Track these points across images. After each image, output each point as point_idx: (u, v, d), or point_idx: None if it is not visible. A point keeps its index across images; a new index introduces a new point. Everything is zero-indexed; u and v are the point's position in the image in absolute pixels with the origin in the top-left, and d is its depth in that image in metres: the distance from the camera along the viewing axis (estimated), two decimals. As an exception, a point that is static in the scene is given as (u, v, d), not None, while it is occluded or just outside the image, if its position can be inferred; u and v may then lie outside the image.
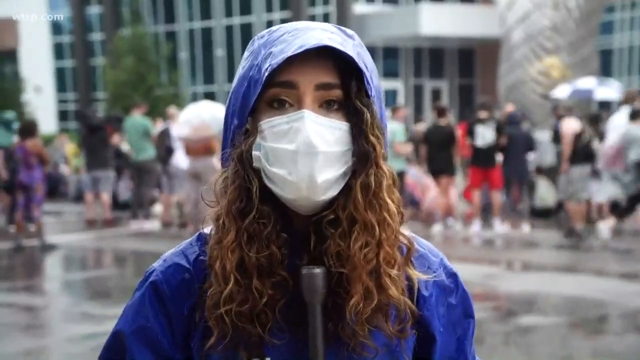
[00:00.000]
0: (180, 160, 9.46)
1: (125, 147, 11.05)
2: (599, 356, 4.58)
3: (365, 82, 0.92)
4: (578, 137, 8.44)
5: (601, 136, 9.37)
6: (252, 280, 0.90)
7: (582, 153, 8.45)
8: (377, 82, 0.95)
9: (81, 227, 10.43)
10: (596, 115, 10.40)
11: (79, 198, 12.87)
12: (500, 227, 9.21)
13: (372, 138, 0.91)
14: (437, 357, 1.01)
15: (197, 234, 1.01)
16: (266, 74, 0.89)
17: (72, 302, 6.40)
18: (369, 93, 0.92)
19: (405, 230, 0.98)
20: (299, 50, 0.88)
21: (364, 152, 0.91)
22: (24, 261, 8.32)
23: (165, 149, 9.66)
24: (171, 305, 0.97)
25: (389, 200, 0.92)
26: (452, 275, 1.04)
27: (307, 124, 0.88)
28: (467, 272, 6.86)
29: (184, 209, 9.79)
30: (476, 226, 9.19)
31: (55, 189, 13.40)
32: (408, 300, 0.96)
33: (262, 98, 0.91)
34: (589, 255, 8.10)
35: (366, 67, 0.93)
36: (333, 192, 0.90)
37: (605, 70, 16.59)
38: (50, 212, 11.62)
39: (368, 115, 0.91)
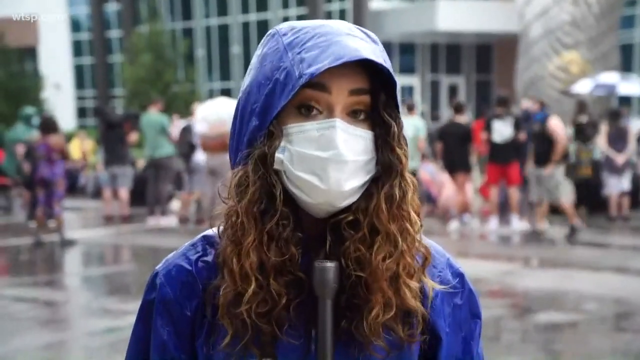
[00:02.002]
0: (202, 156, 9.52)
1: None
2: (618, 354, 4.54)
3: (396, 94, 0.93)
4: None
5: (586, 138, 9.31)
6: (269, 280, 0.91)
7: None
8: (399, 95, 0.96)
9: (99, 223, 10.53)
10: (616, 111, 10.28)
11: (97, 194, 13.00)
12: (518, 223, 9.15)
13: (398, 150, 0.92)
14: (443, 357, 1.01)
15: (200, 235, 1.02)
16: (301, 81, 0.88)
17: (91, 297, 6.47)
18: (397, 105, 0.93)
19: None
20: (337, 62, 0.87)
21: (389, 164, 0.91)
22: (45, 256, 8.42)
23: (188, 146, 9.72)
24: (174, 307, 0.98)
25: (411, 211, 0.93)
26: (459, 275, 1.04)
27: (338, 132, 0.88)
28: (484, 269, 6.83)
29: (203, 205, 9.85)
30: (493, 223, 9.13)
31: (73, 185, 13.54)
32: (422, 307, 0.97)
33: (289, 101, 0.90)
34: (609, 252, 8.02)
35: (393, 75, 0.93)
36: (353, 199, 0.91)
37: (626, 65, 16.37)
38: (69, 208, 11.75)
39: (395, 127, 0.92)
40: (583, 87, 12.26)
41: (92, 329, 5.18)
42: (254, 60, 0.95)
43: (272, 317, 0.91)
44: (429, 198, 10.27)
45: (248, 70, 0.96)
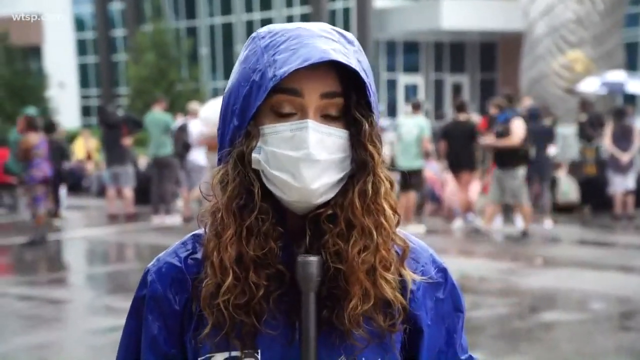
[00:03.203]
0: (198, 155, 9.52)
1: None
2: (622, 353, 4.53)
3: (368, 93, 0.95)
4: (524, 139, 8.23)
5: (588, 137, 9.21)
6: (249, 273, 0.94)
7: (523, 156, 8.23)
8: (373, 87, 0.97)
9: (103, 222, 10.55)
10: (621, 109, 10.24)
11: (101, 193, 13.03)
12: (522, 222, 9.13)
13: (370, 147, 0.95)
14: (425, 349, 1.03)
15: (191, 234, 1.05)
16: (271, 84, 0.92)
17: (95, 295, 6.49)
18: (372, 104, 0.96)
19: (399, 231, 1.01)
20: (304, 64, 0.90)
21: (362, 161, 0.95)
22: (49, 255, 8.44)
23: (182, 145, 9.74)
24: (164, 303, 1.01)
25: (385, 206, 0.97)
26: (442, 270, 1.06)
27: (310, 133, 0.92)
28: (488, 268, 6.82)
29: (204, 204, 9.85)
30: (497, 222, 9.12)
31: (77, 184, 13.57)
32: (401, 297, 0.99)
33: (264, 103, 0.94)
34: (613, 250, 8.00)
35: (367, 76, 0.95)
36: (329, 196, 0.95)
37: (631, 63, 16.30)
38: (73, 206, 11.78)
39: (367, 125, 0.95)
40: (589, 85, 12.21)
41: (96, 327, 5.19)
42: (236, 63, 1.00)
43: (250, 309, 0.94)
44: (433, 197, 10.25)
45: (231, 73, 1.00)
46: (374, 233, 0.95)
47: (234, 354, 0.96)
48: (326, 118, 0.94)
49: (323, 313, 0.95)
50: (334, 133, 0.94)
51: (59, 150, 10.27)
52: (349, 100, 0.95)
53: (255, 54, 0.96)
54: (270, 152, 0.93)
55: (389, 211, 0.97)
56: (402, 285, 1.00)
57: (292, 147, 0.92)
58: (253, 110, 0.94)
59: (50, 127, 10.48)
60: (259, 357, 0.96)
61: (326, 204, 0.95)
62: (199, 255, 1.00)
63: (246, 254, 0.94)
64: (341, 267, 0.94)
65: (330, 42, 0.94)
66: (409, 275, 1.00)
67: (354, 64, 0.93)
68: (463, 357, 1.07)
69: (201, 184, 1.02)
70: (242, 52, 0.99)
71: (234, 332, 0.95)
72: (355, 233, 0.94)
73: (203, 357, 0.97)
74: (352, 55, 0.94)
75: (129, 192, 10.45)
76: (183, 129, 9.87)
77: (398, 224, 0.99)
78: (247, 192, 0.94)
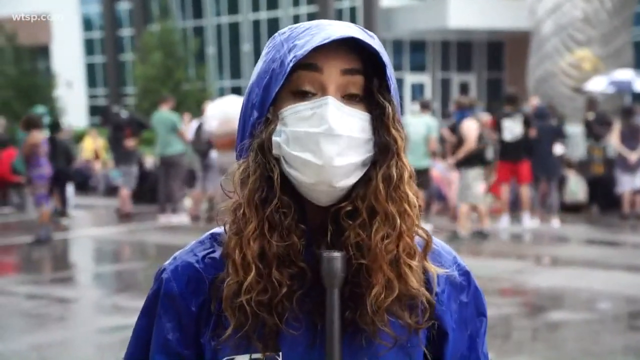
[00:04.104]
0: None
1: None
2: (630, 353, 4.50)
3: (387, 76, 0.94)
4: (477, 139, 8.16)
5: (595, 136, 9.09)
6: (271, 269, 0.91)
7: (478, 156, 8.18)
8: (393, 79, 0.97)
9: (111, 221, 10.59)
10: (629, 108, 10.19)
11: (108, 192, 13.08)
12: (529, 222, 9.10)
13: (393, 131, 0.93)
14: (449, 353, 1.01)
15: (208, 232, 1.03)
16: (291, 64, 0.90)
17: (102, 294, 6.51)
18: (390, 87, 0.94)
19: (424, 225, 0.99)
20: (326, 41, 0.89)
21: (385, 144, 0.92)
22: (56, 254, 8.48)
23: (205, 143, 9.77)
24: (180, 302, 0.98)
25: (409, 192, 0.94)
26: (465, 273, 1.04)
27: (330, 109, 0.90)
28: (495, 268, 6.80)
29: (215, 204, 9.88)
30: (504, 221, 9.10)
31: (85, 183, 13.63)
32: (426, 292, 0.96)
33: (284, 88, 0.92)
34: (621, 250, 7.96)
35: (387, 63, 0.94)
36: (351, 181, 0.92)
37: (639, 62, 16.21)
38: (80, 205, 11.83)
39: (390, 109, 0.93)
40: (597, 84, 12.15)
41: (103, 325, 5.21)
42: (258, 62, 0.99)
43: (273, 307, 0.92)
44: (439, 196, 10.23)
45: (253, 72, 0.99)
46: (398, 220, 0.92)
47: (255, 356, 0.93)
48: (348, 99, 0.92)
49: (346, 314, 0.92)
50: (355, 114, 0.91)
51: (64, 150, 10.32)
52: (370, 83, 0.93)
53: (274, 47, 0.95)
54: (290, 133, 0.91)
55: (412, 199, 0.94)
56: (427, 280, 0.97)
57: (313, 124, 0.90)
58: (272, 95, 0.92)
59: (55, 126, 10.53)
60: (280, 359, 0.93)
61: (347, 197, 0.92)
62: (217, 255, 0.98)
63: (269, 249, 0.91)
64: (363, 261, 0.91)
65: (350, 29, 0.93)
66: (433, 269, 0.98)
67: (375, 46, 0.92)
68: None
69: (221, 180, 1.00)
70: (264, 50, 0.98)
71: (255, 332, 0.92)
72: (379, 219, 0.91)
73: None
74: (371, 41, 0.93)
75: (125, 191, 10.51)
76: (201, 128, 9.91)
77: (421, 213, 0.97)
78: (268, 184, 0.92)
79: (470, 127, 8.17)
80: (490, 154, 8.58)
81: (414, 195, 0.95)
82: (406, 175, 0.94)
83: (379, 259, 0.91)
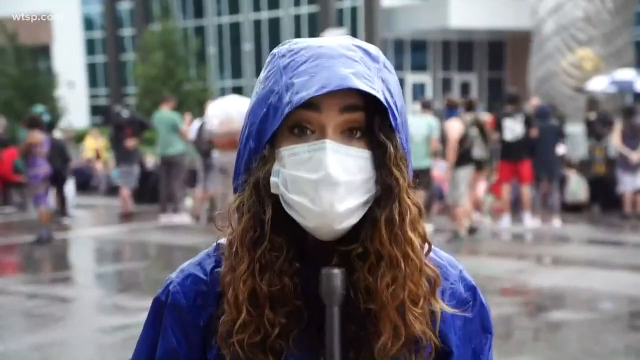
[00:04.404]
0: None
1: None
2: (631, 353, 4.50)
3: (391, 116, 0.90)
4: (462, 139, 8.15)
5: (597, 136, 8.99)
6: (264, 310, 0.90)
7: (464, 155, 8.16)
8: (401, 105, 0.93)
9: (112, 220, 10.59)
10: (630, 108, 10.19)
11: (109, 192, 13.09)
12: (530, 221, 9.10)
13: (395, 171, 0.90)
14: None
15: (214, 244, 1.01)
16: (287, 110, 0.88)
17: (103, 293, 6.51)
18: (394, 126, 0.91)
19: (430, 260, 0.96)
20: (321, 92, 0.86)
21: (387, 185, 0.90)
22: (58, 253, 8.48)
23: (207, 143, 9.77)
24: (187, 316, 0.98)
25: (412, 235, 0.91)
26: (471, 289, 1.03)
27: (328, 154, 0.87)
28: (496, 267, 6.79)
29: (216, 204, 9.88)
30: (505, 221, 9.09)
31: (86, 182, 13.64)
32: (431, 333, 0.95)
33: (282, 123, 0.90)
34: (622, 250, 7.96)
35: (392, 95, 0.91)
36: (353, 220, 0.89)
37: (640, 62, 16.19)
38: (81, 205, 11.83)
39: (391, 148, 0.90)
40: (599, 84, 12.14)
41: (104, 325, 5.21)
42: (257, 81, 0.96)
43: (267, 347, 0.90)
44: (440, 196, 10.23)
45: (253, 91, 0.97)
46: (402, 264, 0.90)
47: None
48: (348, 135, 0.89)
49: (350, 354, 0.91)
50: (355, 154, 0.88)
51: (60, 150, 10.30)
52: (372, 120, 0.90)
53: (274, 74, 0.92)
54: (288, 175, 0.89)
55: (416, 241, 0.91)
56: (432, 317, 0.96)
57: (310, 169, 0.87)
58: (269, 133, 0.90)
59: (49, 126, 10.52)
60: None
61: (355, 236, 0.90)
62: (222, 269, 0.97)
63: (260, 290, 0.90)
64: (372, 305, 0.90)
65: (351, 64, 0.89)
66: (441, 306, 0.96)
67: (377, 87, 0.88)
68: None
69: (215, 187, 0.99)
70: (263, 70, 0.95)
71: None
72: (384, 264, 0.89)
73: None
74: (375, 76, 0.89)
75: (125, 190, 10.52)
76: (202, 128, 9.91)
77: (428, 252, 0.95)
78: (261, 225, 0.90)
79: (453, 127, 8.18)
80: (477, 152, 8.56)
81: (422, 232, 0.93)
82: (409, 217, 0.91)
83: (387, 306, 0.90)
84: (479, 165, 9.12)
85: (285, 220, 0.91)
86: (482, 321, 1.03)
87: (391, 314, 0.90)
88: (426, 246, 0.94)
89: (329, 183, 0.87)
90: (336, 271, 0.90)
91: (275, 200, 0.91)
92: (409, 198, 0.91)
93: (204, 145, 9.79)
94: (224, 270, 0.93)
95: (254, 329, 0.90)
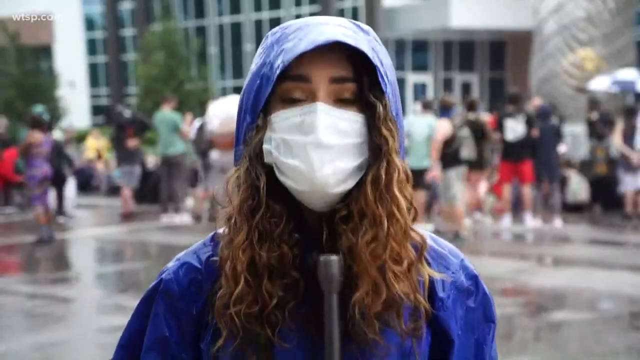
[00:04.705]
0: (216, 154, 9.54)
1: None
2: (632, 353, 4.49)
3: (379, 77, 0.90)
4: (450, 140, 8.14)
5: (599, 136, 8.96)
6: (262, 280, 0.89)
7: (453, 156, 8.14)
8: (392, 78, 0.93)
9: (113, 221, 10.60)
10: (631, 108, 10.18)
11: (111, 192, 13.10)
12: (531, 221, 9.09)
13: (384, 131, 0.90)
14: None
15: (211, 234, 1.01)
16: (277, 72, 0.88)
17: (104, 294, 6.52)
18: (383, 88, 0.91)
19: (422, 228, 0.96)
20: (310, 47, 0.87)
21: (376, 145, 0.90)
22: (59, 254, 8.49)
23: (205, 143, 9.77)
24: (180, 304, 0.97)
25: (399, 195, 0.90)
26: (473, 278, 1.01)
27: (319, 116, 0.87)
28: (497, 268, 6.79)
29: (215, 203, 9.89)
30: (506, 221, 9.09)
31: (87, 183, 13.65)
32: (421, 297, 0.93)
33: (274, 94, 0.90)
34: (624, 250, 7.95)
35: (381, 63, 0.91)
36: (347, 186, 0.89)
37: (642, 62, 16.17)
38: (83, 205, 11.84)
39: (381, 108, 0.90)
40: (601, 83, 12.13)
41: (105, 325, 5.22)
42: (252, 63, 0.97)
43: (264, 319, 0.90)
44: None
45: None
46: (385, 223, 0.89)
47: None
48: (340, 102, 0.90)
49: (338, 324, 0.90)
50: (346, 117, 0.89)
51: (58, 150, 10.30)
52: (361, 84, 0.90)
53: (266, 49, 0.93)
54: (279, 140, 0.89)
55: (402, 202, 0.90)
56: (423, 285, 0.95)
57: (302, 132, 0.88)
58: (262, 102, 0.91)
59: (48, 125, 10.51)
60: None
61: (342, 200, 0.90)
62: (218, 258, 0.96)
63: (259, 259, 0.89)
64: (354, 265, 0.89)
65: (339, 28, 0.90)
66: (428, 272, 0.95)
67: (364, 48, 0.88)
68: None
69: (215, 187, 0.99)
70: (257, 52, 0.96)
71: (250, 346, 0.90)
72: (366, 222, 0.89)
73: None
74: (363, 40, 0.90)
75: (127, 190, 10.52)
76: (203, 128, 9.91)
77: (415, 219, 0.93)
78: (257, 192, 0.90)
79: (442, 127, 8.18)
80: (465, 153, 8.56)
81: (408, 197, 0.92)
82: (396, 176, 0.90)
83: (365, 262, 0.88)
84: (477, 166, 9.12)
85: (281, 190, 0.90)
86: (485, 310, 1.01)
87: (370, 269, 0.88)
88: (412, 211, 0.92)
89: (321, 145, 0.87)
90: (334, 258, 0.89)
91: (270, 169, 0.91)
92: (397, 160, 0.91)
93: (203, 144, 9.80)
94: (223, 244, 0.93)
95: (252, 299, 0.89)
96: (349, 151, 0.89)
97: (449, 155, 8.11)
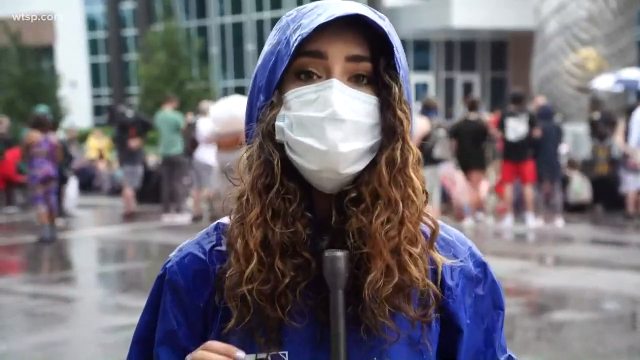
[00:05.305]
0: (206, 154, 9.54)
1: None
2: (635, 353, 4.49)
3: (394, 59, 0.90)
4: (425, 138, 8.13)
5: (601, 135, 8.98)
6: (274, 259, 0.88)
7: (427, 155, 8.14)
8: (405, 64, 0.93)
9: (114, 220, 10.61)
10: (633, 107, 10.16)
11: (113, 192, 13.11)
12: (533, 221, 9.09)
13: (399, 112, 0.89)
14: (463, 349, 0.97)
15: (214, 223, 0.99)
16: (295, 44, 0.87)
17: (106, 293, 6.52)
18: (397, 70, 0.90)
19: (431, 214, 0.95)
20: (329, 19, 0.86)
21: (390, 126, 0.89)
22: (60, 253, 8.50)
23: (190, 142, 9.78)
24: (186, 296, 0.96)
25: (414, 177, 0.90)
26: (481, 265, 1.00)
27: (335, 92, 0.86)
28: (499, 267, 6.79)
29: (214, 204, 9.88)
30: (508, 221, 9.08)
31: (89, 182, 13.66)
32: (431, 283, 0.92)
33: (289, 70, 0.89)
34: (626, 250, 7.94)
35: (396, 49, 0.91)
36: (359, 167, 0.88)
37: (643, 61, 16.16)
38: (84, 205, 11.85)
39: (396, 89, 0.89)
40: (604, 82, 12.12)
41: (107, 325, 5.22)
42: (265, 44, 0.95)
43: (275, 298, 0.88)
44: (443, 196, 10.21)
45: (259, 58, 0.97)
46: (400, 205, 0.88)
47: (260, 356, 0.90)
48: (355, 81, 0.89)
49: (348, 310, 0.89)
50: (361, 97, 0.88)
51: (63, 149, 10.31)
52: (377, 65, 0.90)
53: (281, 29, 0.92)
54: (293, 117, 0.88)
55: (417, 184, 0.90)
56: (433, 271, 0.93)
57: (317, 109, 0.86)
58: (277, 78, 0.89)
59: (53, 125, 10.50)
60: (286, 359, 0.90)
61: (352, 183, 0.88)
62: (223, 247, 0.95)
63: (272, 237, 0.87)
64: (364, 248, 0.87)
65: (358, 6, 0.90)
66: (439, 259, 0.94)
67: (384, 26, 0.89)
68: (502, 358, 1.02)
69: (227, 166, 0.95)
70: (270, 34, 0.95)
71: (260, 328, 0.89)
72: (380, 204, 0.87)
73: None
74: (379, 20, 0.90)
75: (129, 191, 10.53)
76: (192, 126, 9.92)
77: (426, 202, 0.92)
78: (271, 169, 0.88)
79: (418, 125, 8.20)
80: (438, 152, 8.57)
81: (420, 180, 0.91)
82: (411, 158, 0.90)
83: (379, 244, 0.87)
84: (478, 166, 9.11)
85: (294, 169, 0.89)
86: (494, 298, 1.00)
87: (384, 252, 0.87)
88: (424, 195, 0.92)
89: (336, 120, 0.85)
90: (340, 254, 0.88)
91: (282, 148, 0.89)
92: (411, 142, 0.91)
93: (190, 143, 9.79)
94: (233, 223, 0.91)
95: (264, 277, 0.88)
96: (363, 130, 0.88)
97: (422, 154, 8.13)
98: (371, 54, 0.90)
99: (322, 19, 0.87)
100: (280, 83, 0.90)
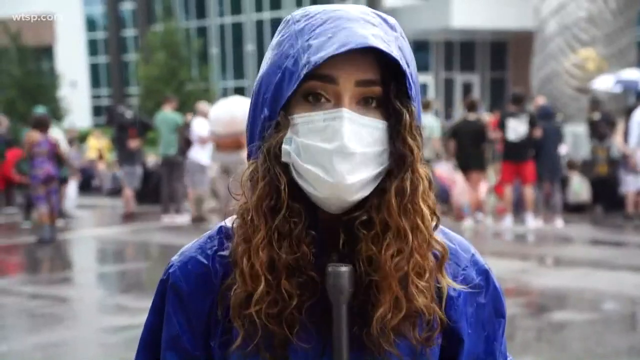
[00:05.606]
0: (200, 155, 9.52)
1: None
2: (635, 354, 4.49)
3: (407, 83, 0.88)
4: None
5: (601, 136, 9.00)
6: (281, 280, 0.88)
7: None
8: (416, 78, 0.91)
9: (114, 221, 10.60)
10: (633, 108, 10.17)
11: (112, 192, 13.11)
12: (533, 222, 9.09)
13: (409, 140, 0.88)
14: (464, 358, 0.97)
15: (217, 227, 0.99)
16: (305, 71, 0.85)
17: (106, 294, 6.52)
18: (410, 93, 0.89)
19: (438, 233, 0.94)
20: (341, 50, 0.84)
21: (400, 155, 0.88)
22: (60, 254, 8.50)
23: (184, 142, 9.78)
24: (189, 301, 0.95)
25: (423, 207, 0.89)
26: (483, 272, 1.00)
27: (345, 124, 0.85)
28: (499, 268, 6.79)
29: (204, 205, 9.85)
30: (508, 221, 9.08)
31: (88, 183, 13.65)
32: (437, 308, 0.92)
33: (297, 91, 0.87)
34: (625, 250, 7.94)
35: (408, 65, 0.89)
36: (365, 192, 0.88)
37: (643, 62, 16.16)
38: (84, 205, 11.85)
39: (407, 116, 0.88)
40: (604, 83, 12.13)
41: (107, 325, 5.22)
42: (268, 49, 0.93)
43: (283, 319, 0.88)
44: (444, 196, 10.22)
45: (263, 59, 0.94)
46: (410, 235, 0.87)
47: None
48: (364, 105, 0.87)
49: (354, 330, 0.89)
50: (370, 124, 0.86)
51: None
52: (387, 89, 0.88)
53: (289, 38, 0.89)
54: (301, 144, 0.86)
55: (426, 212, 0.89)
56: (439, 294, 0.93)
57: (325, 139, 0.85)
58: (284, 99, 0.87)
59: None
60: None
61: (361, 206, 0.88)
62: (226, 252, 0.94)
63: (278, 259, 0.87)
64: (374, 276, 0.87)
65: (370, 27, 0.87)
66: (447, 282, 0.94)
67: (395, 52, 0.86)
68: None
69: (230, 182, 0.94)
70: (275, 37, 0.92)
71: (265, 344, 0.89)
72: (390, 235, 0.87)
73: None
74: (393, 42, 0.88)
75: (129, 191, 10.53)
76: (186, 126, 9.92)
77: (437, 226, 0.92)
78: (277, 191, 0.87)
79: None
80: (426, 153, 8.58)
81: (431, 205, 0.91)
82: (421, 187, 0.89)
83: (389, 276, 0.87)
84: (478, 166, 9.11)
85: (298, 188, 0.88)
86: (495, 305, 1.00)
87: (393, 285, 0.87)
88: (435, 219, 0.92)
89: (344, 153, 0.85)
90: (344, 269, 0.88)
91: (287, 167, 0.89)
92: (421, 169, 0.89)
93: (183, 143, 9.78)
94: (237, 240, 0.90)
95: (272, 299, 0.88)
96: (370, 159, 0.87)
97: None
98: (382, 75, 0.88)
99: (333, 48, 0.84)
100: (287, 102, 0.88)
